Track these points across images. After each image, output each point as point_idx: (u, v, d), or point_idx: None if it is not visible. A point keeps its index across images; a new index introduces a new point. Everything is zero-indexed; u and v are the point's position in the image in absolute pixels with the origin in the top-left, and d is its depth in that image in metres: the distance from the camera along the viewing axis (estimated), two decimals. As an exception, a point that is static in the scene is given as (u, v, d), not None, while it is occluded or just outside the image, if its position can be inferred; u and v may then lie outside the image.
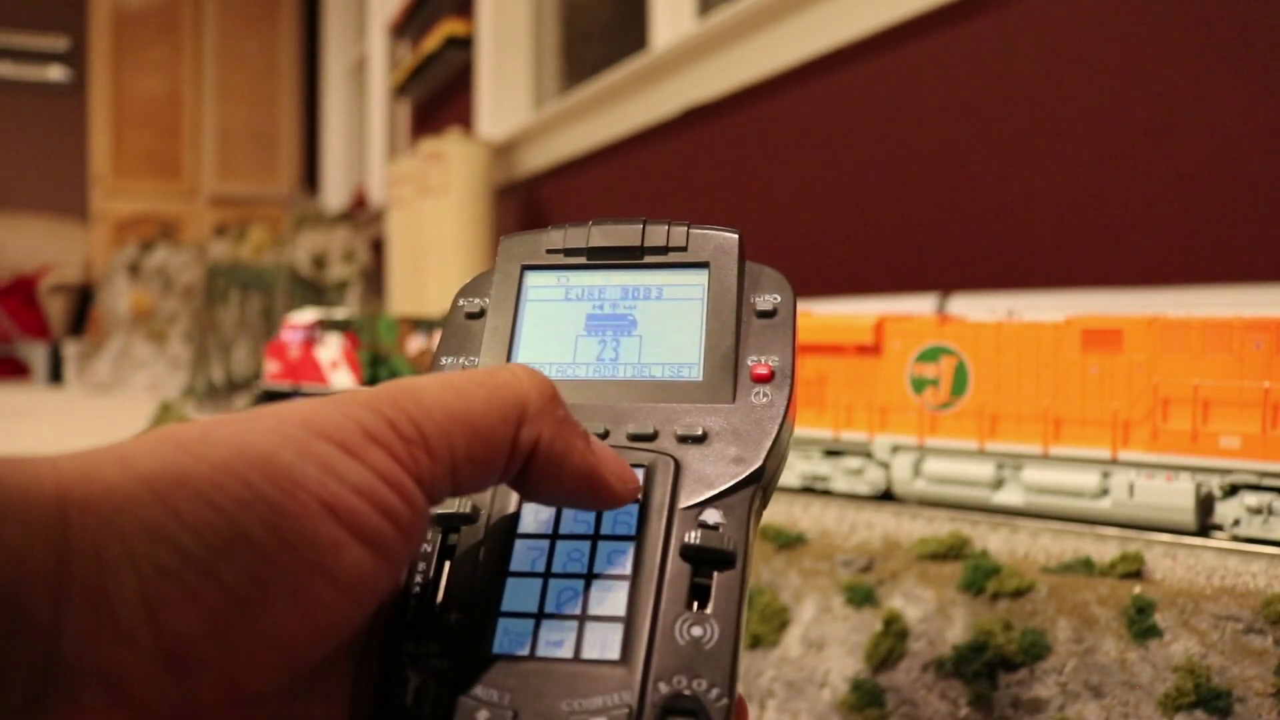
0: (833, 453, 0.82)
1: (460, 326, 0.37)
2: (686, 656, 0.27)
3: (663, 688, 0.26)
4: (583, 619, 0.28)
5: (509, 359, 0.36)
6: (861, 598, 0.68)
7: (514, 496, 0.31)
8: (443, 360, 0.36)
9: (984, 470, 0.73)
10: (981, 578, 0.64)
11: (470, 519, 0.31)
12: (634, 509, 0.30)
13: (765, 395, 0.33)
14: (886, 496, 0.80)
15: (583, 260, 0.37)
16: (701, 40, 1.83)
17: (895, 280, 1.42)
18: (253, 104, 5.62)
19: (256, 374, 2.18)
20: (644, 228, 0.37)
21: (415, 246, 2.77)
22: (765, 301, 0.35)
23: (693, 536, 0.29)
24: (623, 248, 0.37)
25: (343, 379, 1.37)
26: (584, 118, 2.34)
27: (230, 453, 0.22)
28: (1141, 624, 0.57)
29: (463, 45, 3.07)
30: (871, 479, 0.80)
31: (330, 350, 1.38)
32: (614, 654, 0.27)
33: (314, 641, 0.23)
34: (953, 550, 0.69)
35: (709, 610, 0.28)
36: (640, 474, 0.31)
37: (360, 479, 0.23)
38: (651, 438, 0.32)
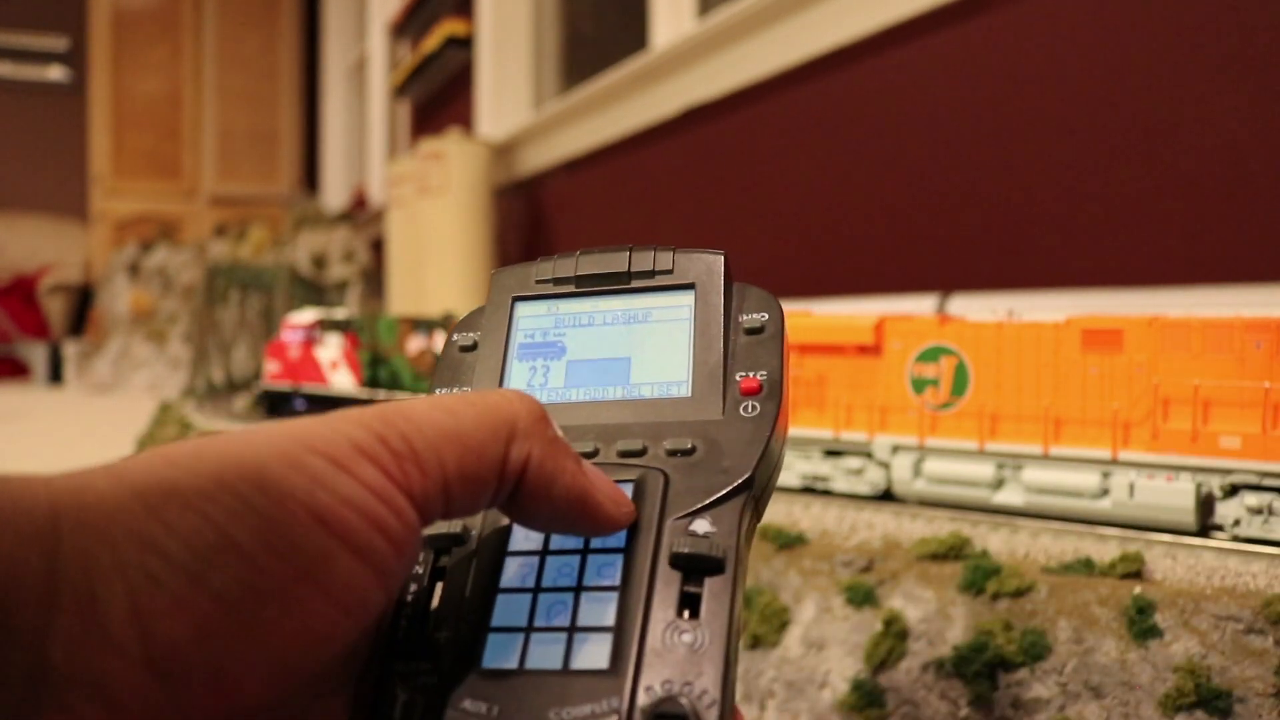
0: (833, 453, 0.82)
1: (454, 359, 0.38)
2: (677, 663, 0.27)
3: (651, 693, 0.26)
4: (572, 630, 0.28)
5: (500, 386, 0.36)
6: (861, 598, 0.68)
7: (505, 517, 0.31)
8: (437, 391, 0.37)
9: (984, 470, 0.73)
10: (981, 578, 0.64)
11: (461, 539, 0.31)
12: None
13: (754, 407, 0.33)
14: (886, 496, 0.80)
15: (571, 288, 0.38)
16: (701, 40, 1.83)
17: (895, 280, 1.41)
18: (253, 104, 5.62)
19: (256, 374, 2.18)
20: (630, 254, 0.37)
21: (415, 246, 2.77)
22: (752, 320, 0.36)
23: (681, 545, 0.29)
24: (610, 274, 0.38)
25: (342, 379, 1.37)
26: (584, 118, 2.34)
27: (220, 465, 0.23)
28: (1142, 624, 0.57)
29: (463, 45, 3.07)
30: (871, 479, 0.80)
31: (330, 350, 1.38)
32: (603, 663, 0.27)
33: (306, 651, 0.23)
34: (953, 550, 0.69)
35: (700, 617, 0.28)
36: (630, 488, 0.31)
37: (350, 491, 0.24)
38: (641, 453, 0.32)
